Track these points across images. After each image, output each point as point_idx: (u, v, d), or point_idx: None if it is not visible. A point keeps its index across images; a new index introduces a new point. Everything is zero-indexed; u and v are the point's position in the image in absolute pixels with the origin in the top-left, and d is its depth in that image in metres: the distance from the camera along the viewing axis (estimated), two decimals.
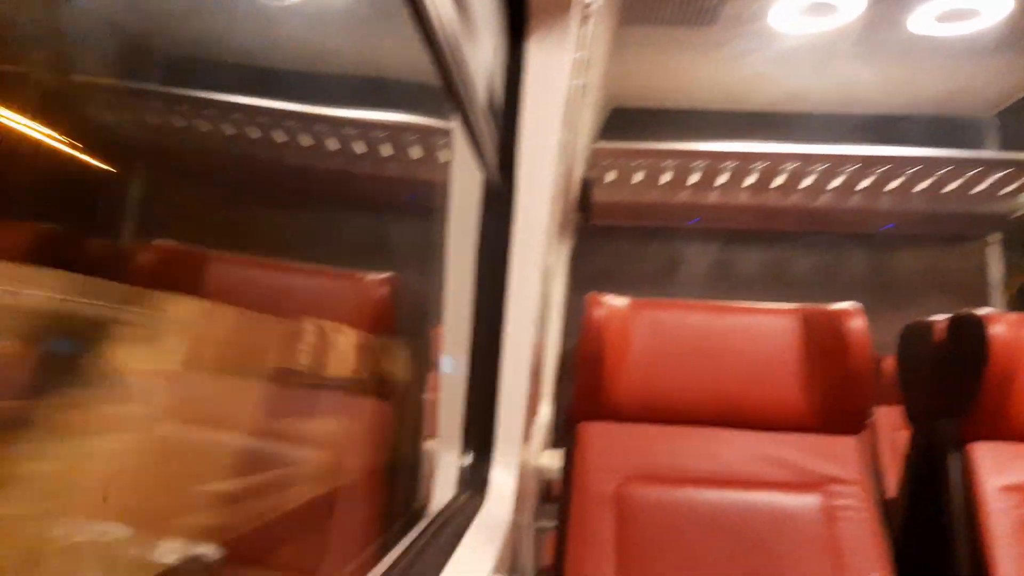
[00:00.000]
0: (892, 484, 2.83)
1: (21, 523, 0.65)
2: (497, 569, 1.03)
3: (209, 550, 0.63)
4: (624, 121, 3.62)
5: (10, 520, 0.62)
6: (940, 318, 1.52)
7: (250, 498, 1.17)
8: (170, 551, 0.62)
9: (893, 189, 3.37)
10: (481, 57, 1.23)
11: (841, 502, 1.28)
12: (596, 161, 3.42)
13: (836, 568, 1.22)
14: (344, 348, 1.35)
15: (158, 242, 1.36)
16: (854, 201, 3.45)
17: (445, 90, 0.95)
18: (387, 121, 2.93)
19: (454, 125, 1.36)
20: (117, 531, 0.67)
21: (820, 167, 3.31)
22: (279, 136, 2.75)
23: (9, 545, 0.63)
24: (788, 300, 1.54)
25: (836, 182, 3.38)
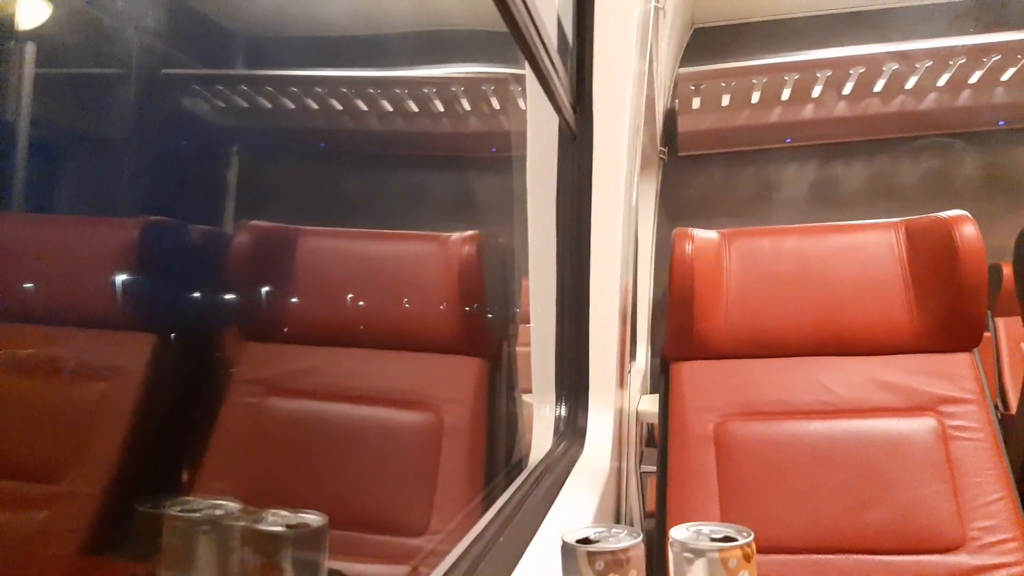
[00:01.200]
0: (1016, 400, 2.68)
1: None
2: (600, 515, 1.05)
3: (316, 516, 0.66)
4: (706, 42, 3.46)
5: None
6: None
7: (359, 462, 1.22)
8: (279, 519, 0.66)
9: (1008, 80, 3.09)
10: None
11: (956, 423, 1.22)
12: (680, 89, 3.30)
13: (954, 492, 1.17)
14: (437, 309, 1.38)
15: (252, 224, 1.42)
16: (964, 98, 3.19)
17: (511, 33, 0.92)
18: (462, 75, 2.92)
19: (526, 71, 1.33)
20: (230, 504, 0.71)
21: (924, 64, 3.07)
22: (361, 105, 2.79)
23: None
24: (898, 215, 1.45)
25: (943, 79, 3.13)
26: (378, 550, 1.18)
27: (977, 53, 2.99)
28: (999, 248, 2.17)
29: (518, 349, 1.47)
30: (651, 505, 1.96)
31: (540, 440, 1.29)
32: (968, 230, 1.29)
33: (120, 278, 1.08)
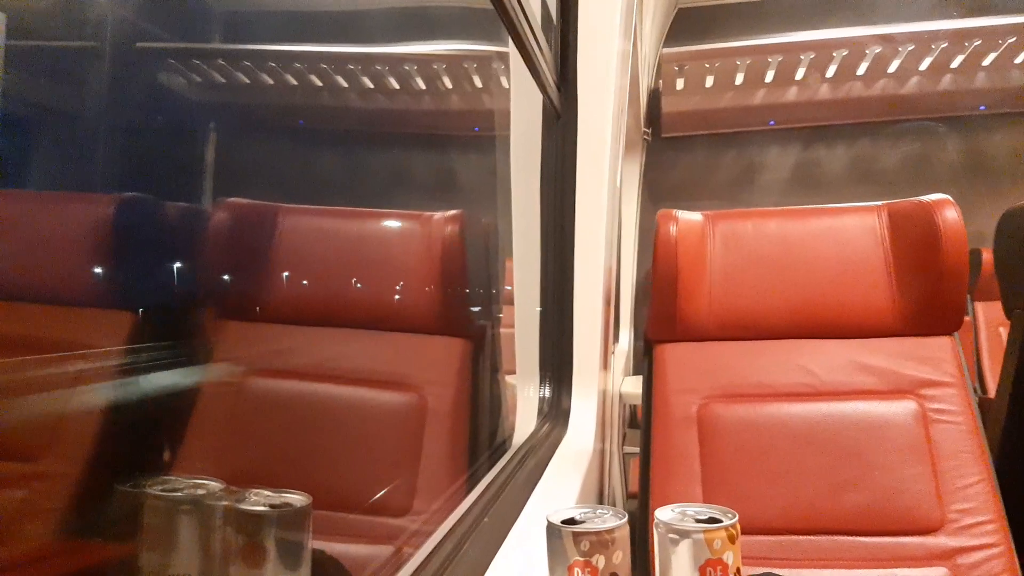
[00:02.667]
0: (994, 384, 2.71)
1: None
2: (583, 495, 1.05)
3: (300, 496, 0.65)
4: (690, 23, 3.45)
5: None
6: None
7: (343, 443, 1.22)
8: (262, 499, 0.65)
9: (989, 65, 3.11)
10: None
11: (936, 406, 1.23)
12: (663, 69, 3.29)
13: (933, 474, 1.18)
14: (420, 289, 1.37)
15: (230, 201, 1.40)
16: (946, 82, 3.21)
17: (495, 9, 0.91)
18: (445, 52, 2.88)
19: (510, 48, 1.31)
20: (211, 483, 0.70)
21: (907, 48, 3.07)
22: (341, 82, 2.75)
23: None
24: (879, 198, 1.45)
25: (925, 63, 3.14)
26: (362, 530, 1.17)
27: (959, 37, 3.00)
28: (978, 233, 2.18)
29: (502, 331, 1.46)
30: (633, 486, 1.97)
31: (524, 421, 1.28)
32: (950, 214, 1.30)
33: (95, 255, 1.06)
